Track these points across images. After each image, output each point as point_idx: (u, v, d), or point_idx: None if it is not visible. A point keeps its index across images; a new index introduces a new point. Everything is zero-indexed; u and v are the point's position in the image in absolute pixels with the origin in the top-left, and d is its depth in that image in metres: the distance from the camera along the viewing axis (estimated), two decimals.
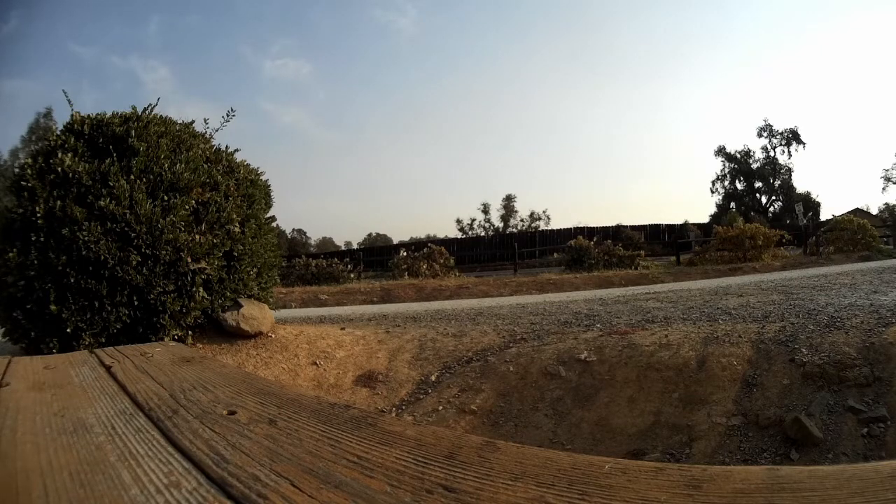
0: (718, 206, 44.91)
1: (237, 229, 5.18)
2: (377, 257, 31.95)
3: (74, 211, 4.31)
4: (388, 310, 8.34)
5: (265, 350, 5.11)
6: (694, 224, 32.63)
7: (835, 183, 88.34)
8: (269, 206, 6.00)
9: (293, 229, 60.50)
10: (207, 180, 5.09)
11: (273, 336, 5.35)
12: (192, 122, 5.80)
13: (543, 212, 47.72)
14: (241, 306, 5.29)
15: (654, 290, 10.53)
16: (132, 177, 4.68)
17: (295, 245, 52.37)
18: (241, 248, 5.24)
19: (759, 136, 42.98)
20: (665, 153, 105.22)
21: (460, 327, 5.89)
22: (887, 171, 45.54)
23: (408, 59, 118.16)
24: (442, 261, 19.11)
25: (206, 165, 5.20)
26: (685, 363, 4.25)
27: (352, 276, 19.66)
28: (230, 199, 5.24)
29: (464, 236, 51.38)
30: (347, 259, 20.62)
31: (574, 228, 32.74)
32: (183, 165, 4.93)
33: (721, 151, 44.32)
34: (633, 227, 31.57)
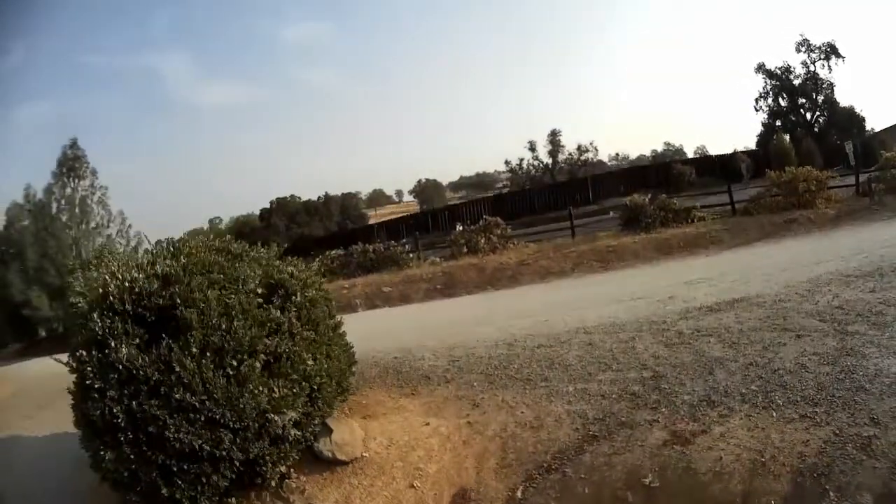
0: (764, 124, 43.17)
1: (311, 363, 5.31)
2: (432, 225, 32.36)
3: (153, 410, 4.49)
4: (456, 339, 8.24)
5: (365, 477, 5.33)
6: (743, 152, 31.41)
7: (878, 95, 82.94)
8: (332, 314, 6.09)
9: (342, 194, 60.74)
10: (271, 327, 5.19)
11: (367, 456, 5.55)
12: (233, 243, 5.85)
13: (591, 143, 45.90)
14: (331, 430, 5.51)
15: (713, 281, 10.08)
16: (195, 351, 4.68)
17: (347, 209, 52.68)
18: (319, 379, 5.39)
19: (798, 51, 41.07)
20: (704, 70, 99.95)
21: (536, 409, 5.94)
22: None
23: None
24: (499, 231, 19.03)
25: (260, 310, 5.21)
26: None
27: (411, 256, 19.84)
28: (296, 335, 5.34)
29: (512, 188, 50.99)
30: (404, 240, 20.65)
31: (625, 169, 31.90)
32: (240, 322, 4.94)
33: (761, 68, 42.42)
34: (684, 162, 30.70)
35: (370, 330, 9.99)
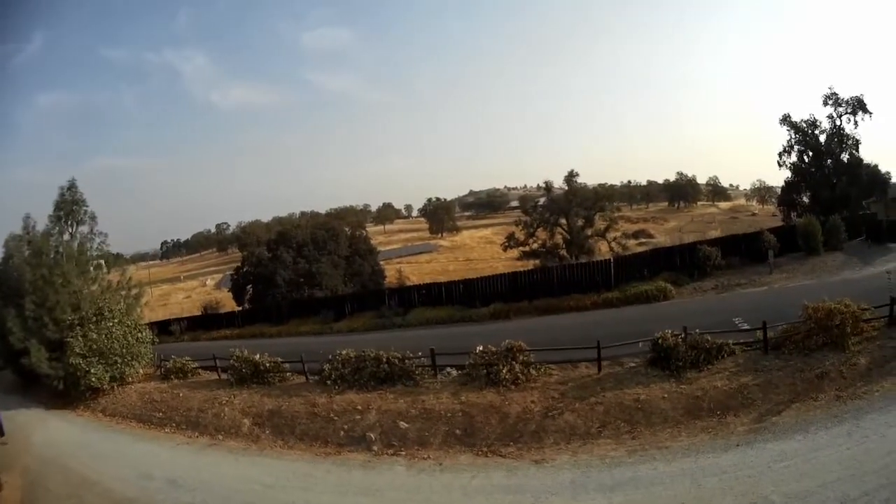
0: (787, 182, 43.41)
1: None
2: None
3: None
4: None
5: None
6: (770, 230, 30.89)
7: None
8: None
9: (355, 228, 59.52)
10: None
11: None
12: None
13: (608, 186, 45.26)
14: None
15: None
16: None
17: (356, 241, 51.39)
18: None
19: (825, 104, 40.56)
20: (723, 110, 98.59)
21: None
22: None
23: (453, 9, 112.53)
24: (522, 359, 18.18)
25: None
26: None
27: (426, 378, 19.02)
28: None
29: (525, 221, 50.28)
30: (416, 361, 19.60)
31: (651, 251, 31.08)
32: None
33: (786, 120, 42.07)
34: (710, 242, 30.06)
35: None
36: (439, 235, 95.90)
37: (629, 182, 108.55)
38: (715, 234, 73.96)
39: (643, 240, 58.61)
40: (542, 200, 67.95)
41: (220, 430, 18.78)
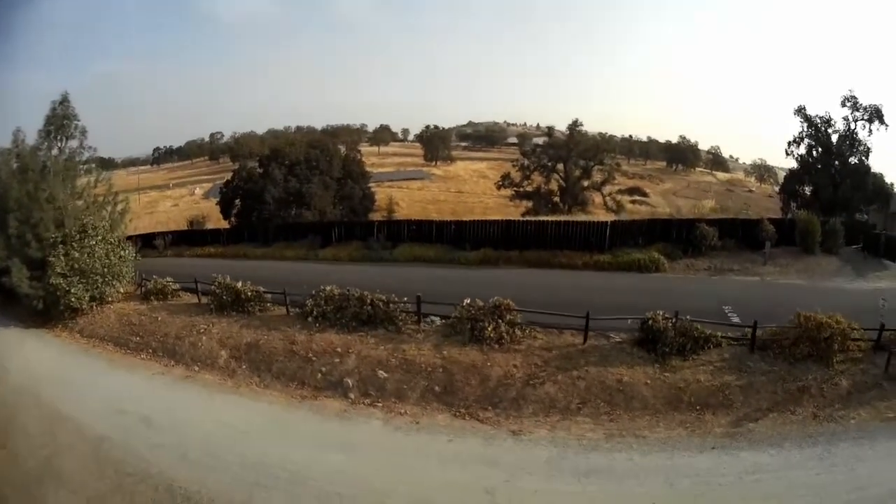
0: (792, 172, 43.02)
1: None
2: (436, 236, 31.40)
3: None
4: None
5: None
6: (770, 220, 30.33)
7: None
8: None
9: (350, 149, 57.52)
10: None
11: None
12: None
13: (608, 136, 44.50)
14: None
15: None
16: None
17: (349, 163, 49.77)
18: None
19: (843, 105, 39.54)
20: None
21: None
22: None
23: None
24: (509, 318, 17.81)
25: None
26: None
27: (408, 324, 18.67)
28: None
29: (521, 163, 49.64)
30: (400, 305, 19.13)
31: (648, 220, 30.56)
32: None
33: (800, 111, 41.02)
34: (709, 222, 29.47)
35: None
36: (433, 164, 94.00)
37: (630, 136, 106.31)
38: (709, 204, 73.48)
39: (637, 197, 57.82)
40: (540, 140, 66.93)
41: (197, 360, 18.50)
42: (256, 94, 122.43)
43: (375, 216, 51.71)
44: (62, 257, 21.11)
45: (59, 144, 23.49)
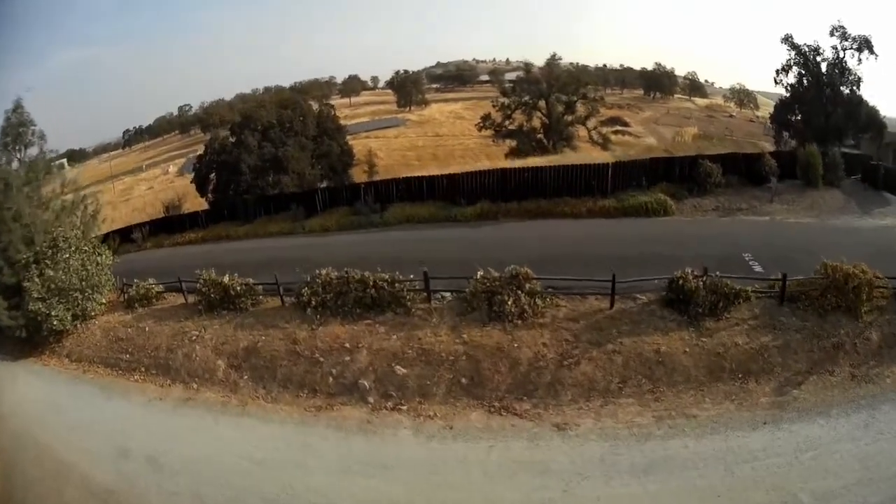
0: (782, 101, 42.67)
1: None
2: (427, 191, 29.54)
3: None
4: None
5: None
6: (771, 154, 29.52)
7: None
8: None
9: (322, 104, 53.85)
10: None
11: None
12: None
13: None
14: None
15: None
16: None
17: (323, 118, 46.88)
18: None
19: (832, 34, 38.88)
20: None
21: None
22: None
23: None
24: (528, 288, 16.22)
25: None
26: None
27: (417, 303, 16.96)
28: None
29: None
30: (406, 284, 17.33)
31: (650, 159, 29.00)
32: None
33: (787, 40, 40.38)
34: (711, 158, 28.28)
35: None
36: (407, 109, 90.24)
37: (604, 66, 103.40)
38: (692, 131, 72.20)
39: (618, 128, 55.73)
40: (513, 76, 64.35)
41: (194, 375, 16.70)
42: (220, 61, 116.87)
43: (356, 171, 49.81)
44: (37, 279, 19.15)
45: (17, 156, 21.39)
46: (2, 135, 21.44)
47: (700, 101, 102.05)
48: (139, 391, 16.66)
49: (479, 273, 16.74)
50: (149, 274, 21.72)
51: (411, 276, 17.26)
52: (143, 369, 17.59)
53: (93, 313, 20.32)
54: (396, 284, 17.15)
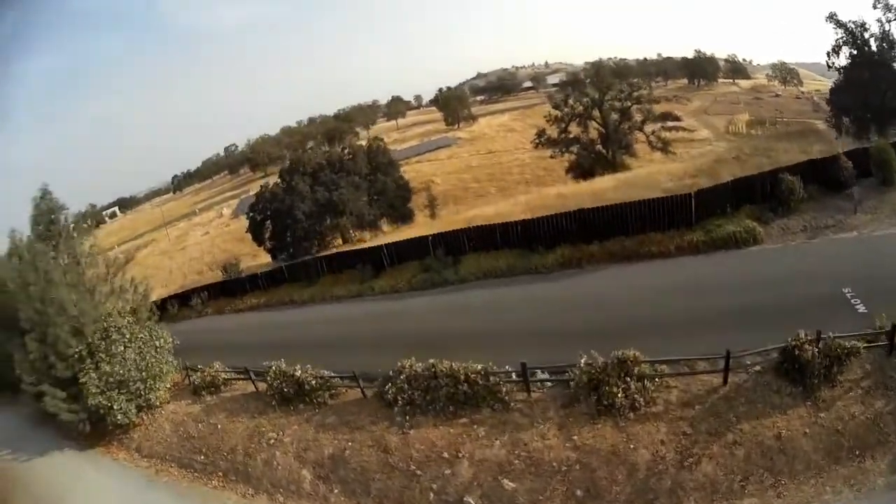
0: (837, 84, 42.39)
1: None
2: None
3: None
4: None
5: None
6: (845, 153, 26.64)
7: None
8: None
9: (373, 138, 53.34)
10: None
11: None
12: None
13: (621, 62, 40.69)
14: None
15: None
16: None
17: (374, 153, 46.01)
18: None
19: (874, 6, 38.10)
20: None
21: None
22: None
23: None
24: (637, 372, 14.59)
25: None
26: None
27: (514, 393, 15.56)
28: None
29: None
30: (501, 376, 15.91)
31: (733, 182, 26.42)
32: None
33: (832, 18, 39.72)
34: (789, 169, 25.46)
35: None
36: (456, 126, 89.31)
37: (644, 59, 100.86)
38: (745, 118, 68.77)
39: (671, 123, 52.63)
40: (555, 79, 62.79)
41: (277, 486, 15.62)
42: (261, 97, 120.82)
43: (415, 199, 48.24)
44: (92, 373, 18.62)
45: (52, 243, 20.77)
46: (33, 224, 21.01)
47: (744, 84, 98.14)
48: (217, 499, 15.92)
49: (582, 360, 15.16)
50: (212, 348, 21.08)
51: (507, 368, 15.85)
52: (220, 474, 16.79)
53: (157, 402, 19.80)
54: (490, 377, 15.78)
